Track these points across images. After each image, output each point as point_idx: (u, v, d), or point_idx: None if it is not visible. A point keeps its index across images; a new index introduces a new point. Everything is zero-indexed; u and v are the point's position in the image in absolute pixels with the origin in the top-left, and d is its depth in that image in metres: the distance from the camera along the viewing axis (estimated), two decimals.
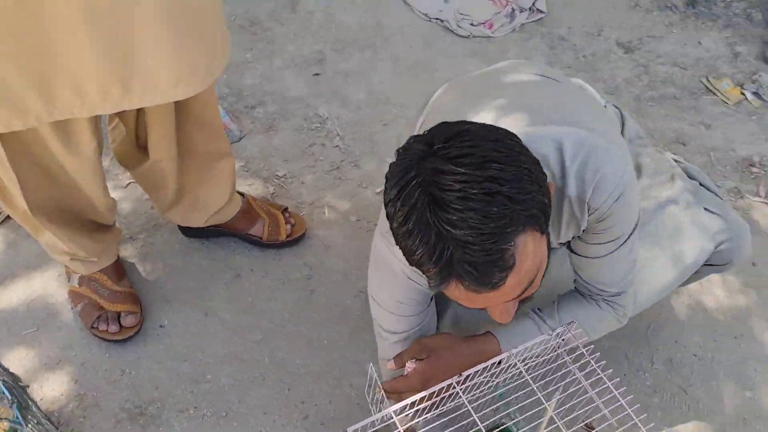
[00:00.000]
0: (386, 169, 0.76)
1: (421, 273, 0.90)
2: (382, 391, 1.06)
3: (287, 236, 1.60)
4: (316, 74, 2.08)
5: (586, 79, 1.59)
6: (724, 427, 1.41)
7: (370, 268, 1.08)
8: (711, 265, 1.24)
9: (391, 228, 0.76)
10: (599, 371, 0.96)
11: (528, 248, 0.72)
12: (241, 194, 1.59)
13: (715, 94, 2.17)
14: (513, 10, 2.27)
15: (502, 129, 0.77)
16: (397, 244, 0.76)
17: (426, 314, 1.07)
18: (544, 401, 0.93)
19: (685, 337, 1.54)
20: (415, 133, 1.11)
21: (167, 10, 0.93)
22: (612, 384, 0.94)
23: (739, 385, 1.47)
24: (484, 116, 0.95)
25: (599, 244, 0.97)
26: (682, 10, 2.42)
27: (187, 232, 1.61)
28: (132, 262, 1.58)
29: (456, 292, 0.75)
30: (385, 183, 0.77)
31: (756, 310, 1.61)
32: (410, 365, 1.03)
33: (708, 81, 2.21)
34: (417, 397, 0.91)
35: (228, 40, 1.12)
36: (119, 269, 1.47)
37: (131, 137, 1.28)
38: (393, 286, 1.01)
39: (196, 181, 1.39)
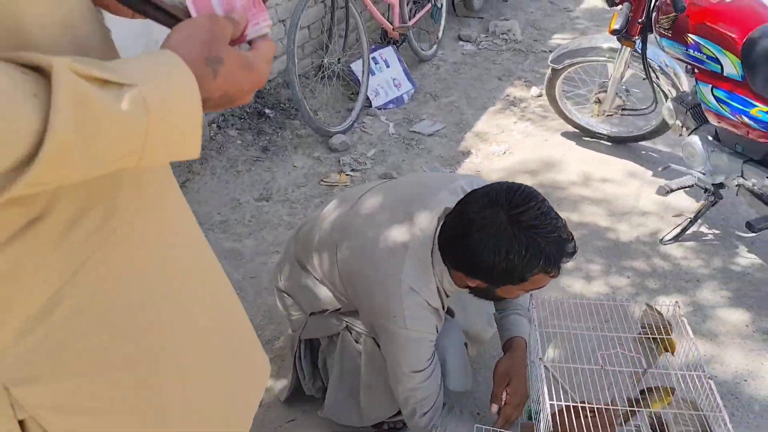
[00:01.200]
0: None
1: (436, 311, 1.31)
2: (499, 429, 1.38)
3: None
4: None
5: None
6: None
7: (403, 364, 1.36)
8: None
9: (509, 268, 1.17)
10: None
11: None
12: None
13: (335, 185, 2.93)
14: None
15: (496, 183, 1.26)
16: (519, 277, 1.19)
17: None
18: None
19: None
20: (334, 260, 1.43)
21: None
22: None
23: None
24: (397, 218, 1.37)
25: None
26: (265, 158, 3.09)
27: None
28: None
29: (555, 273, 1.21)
30: (489, 247, 1.17)
31: None
32: (504, 396, 1.37)
33: (323, 182, 2.95)
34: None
35: None
36: None
37: None
38: (423, 350, 1.36)
39: None
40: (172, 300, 0.74)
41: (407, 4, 3.91)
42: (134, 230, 0.67)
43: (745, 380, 1.92)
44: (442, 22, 4.36)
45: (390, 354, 1.37)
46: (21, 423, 0.61)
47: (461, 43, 4.59)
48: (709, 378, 1.28)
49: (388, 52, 3.77)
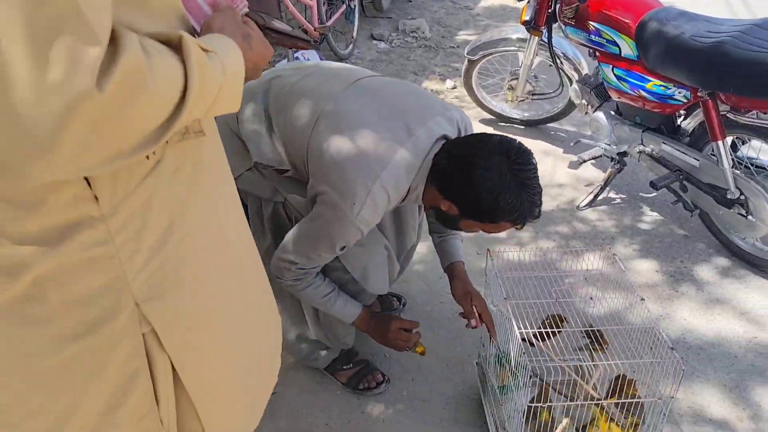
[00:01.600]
0: None
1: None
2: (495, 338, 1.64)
3: None
4: None
5: None
6: None
7: (336, 242, 1.45)
8: None
9: (491, 208, 1.37)
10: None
11: None
12: None
13: None
14: None
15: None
16: (492, 218, 1.40)
17: None
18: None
19: None
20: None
21: None
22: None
23: None
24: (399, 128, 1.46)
25: None
26: None
27: None
28: None
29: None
30: (487, 185, 1.35)
31: None
32: (474, 309, 1.68)
33: None
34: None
35: None
36: None
37: None
38: (356, 236, 1.46)
39: None
40: (229, 250, 0.88)
41: (323, 5, 4.08)
42: (211, 187, 0.81)
43: (660, 316, 2.24)
44: (356, 22, 4.55)
45: (325, 223, 1.43)
46: (142, 336, 0.73)
47: (375, 42, 4.81)
48: (641, 299, 1.53)
49: (310, 52, 3.91)
